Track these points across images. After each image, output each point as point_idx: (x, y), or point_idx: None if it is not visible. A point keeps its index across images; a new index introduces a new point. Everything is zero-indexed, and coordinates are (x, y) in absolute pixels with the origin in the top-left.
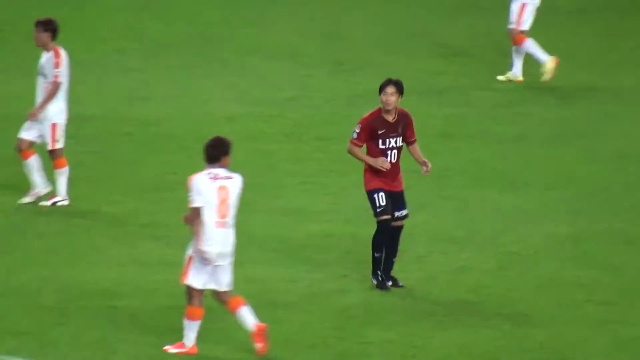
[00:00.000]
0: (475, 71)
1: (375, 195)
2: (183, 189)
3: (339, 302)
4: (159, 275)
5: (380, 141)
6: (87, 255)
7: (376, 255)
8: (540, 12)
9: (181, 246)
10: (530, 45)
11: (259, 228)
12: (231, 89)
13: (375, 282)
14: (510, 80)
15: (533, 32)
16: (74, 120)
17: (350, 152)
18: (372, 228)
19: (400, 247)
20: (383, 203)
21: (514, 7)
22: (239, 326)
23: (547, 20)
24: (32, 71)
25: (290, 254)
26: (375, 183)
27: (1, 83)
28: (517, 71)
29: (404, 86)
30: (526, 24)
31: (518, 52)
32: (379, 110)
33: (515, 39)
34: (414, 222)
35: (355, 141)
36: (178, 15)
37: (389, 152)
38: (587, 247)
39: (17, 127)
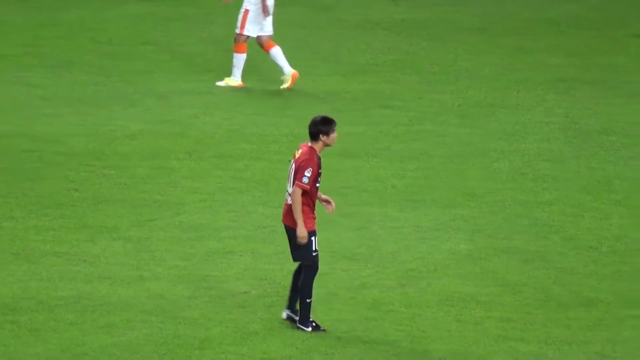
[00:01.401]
0: (375, 89)
1: (313, 238)
2: (84, 205)
3: (239, 319)
4: (60, 291)
5: (317, 181)
6: None
7: (308, 300)
8: (442, 29)
9: (83, 262)
10: (277, 54)
11: (160, 244)
12: (133, 107)
13: (310, 329)
14: (228, 85)
15: (423, 47)
16: None
17: (297, 198)
18: (272, 245)
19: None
20: (318, 247)
21: (240, 12)
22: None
23: (448, 37)
24: None
25: (191, 270)
26: (312, 224)
27: None
28: (236, 76)
29: None
30: (248, 29)
31: (238, 59)
32: (315, 150)
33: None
34: None
35: (306, 187)
36: (80, 32)
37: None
38: (486, 264)
39: None
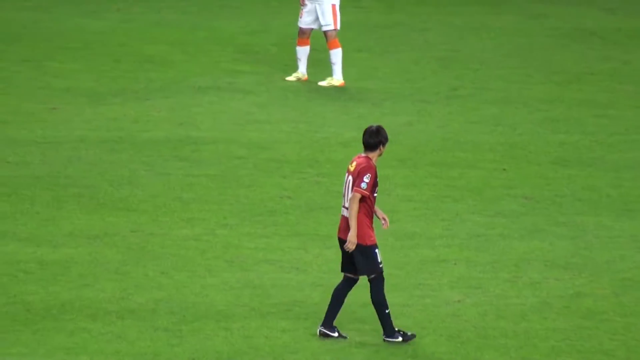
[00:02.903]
0: (590, 98)
1: (377, 251)
2: (297, 213)
3: (453, 327)
4: (273, 299)
5: (375, 191)
6: (201, 277)
7: (387, 311)
8: None
9: (296, 270)
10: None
11: None
12: (346, 114)
13: (400, 338)
14: (331, 85)
15: None
16: (189, 143)
17: (354, 203)
18: (487, 253)
19: (515, 273)
20: (381, 258)
21: (327, 9)
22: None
23: None
24: (146, 94)
25: (404, 278)
26: (374, 237)
27: (116, 104)
28: (337, 74)
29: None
30: (338, 22)
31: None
32: (371, 159)
33: (333, 42)
34: (529, 248)
35: (364, 192)
36: (292, 39)
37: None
38: None
39: (130, 149)
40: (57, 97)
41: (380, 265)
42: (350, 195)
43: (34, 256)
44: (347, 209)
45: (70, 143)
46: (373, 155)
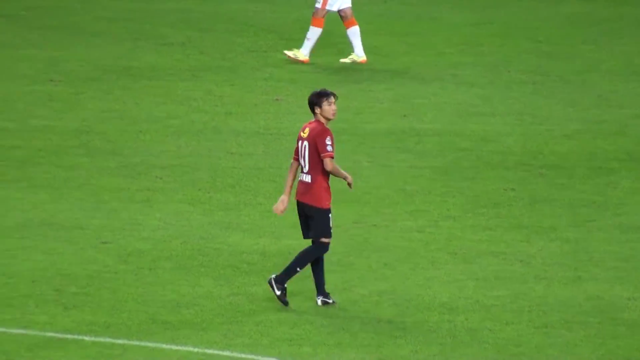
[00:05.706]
0: None
1: (331, 215)
2: (521, 205)
3: None
4: (496, 291)
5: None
6: (425, 269)
7: (299, 269)
8: None
9: (519, 262)
10: (354, 32)
11: (599, 245)
12: (571, 107)
13: (279, 292)
14: (354, 62)
15: None
16: (412, 134)
17: (334, 167)
18: None
19: None
20: (332, 224)
21: None
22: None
23: None
24: (369, 85)
25: (630, 272)
26: (330, 201)
27: (339, 96)
28: (359, 51)
29: None
30: (330, 4)
31: (354, 33)
32: (322, 123)
33: (348, 22)
34: None
35: (332, 154)
36: (516, 31)
37: None
38: None
39: (353, 140)
40: (280, 88)
41: (331, 230)
42: (325, 163)
43: (256, 247)
44: (306, 174)
45: (293, 135)
46: (321, 119)
